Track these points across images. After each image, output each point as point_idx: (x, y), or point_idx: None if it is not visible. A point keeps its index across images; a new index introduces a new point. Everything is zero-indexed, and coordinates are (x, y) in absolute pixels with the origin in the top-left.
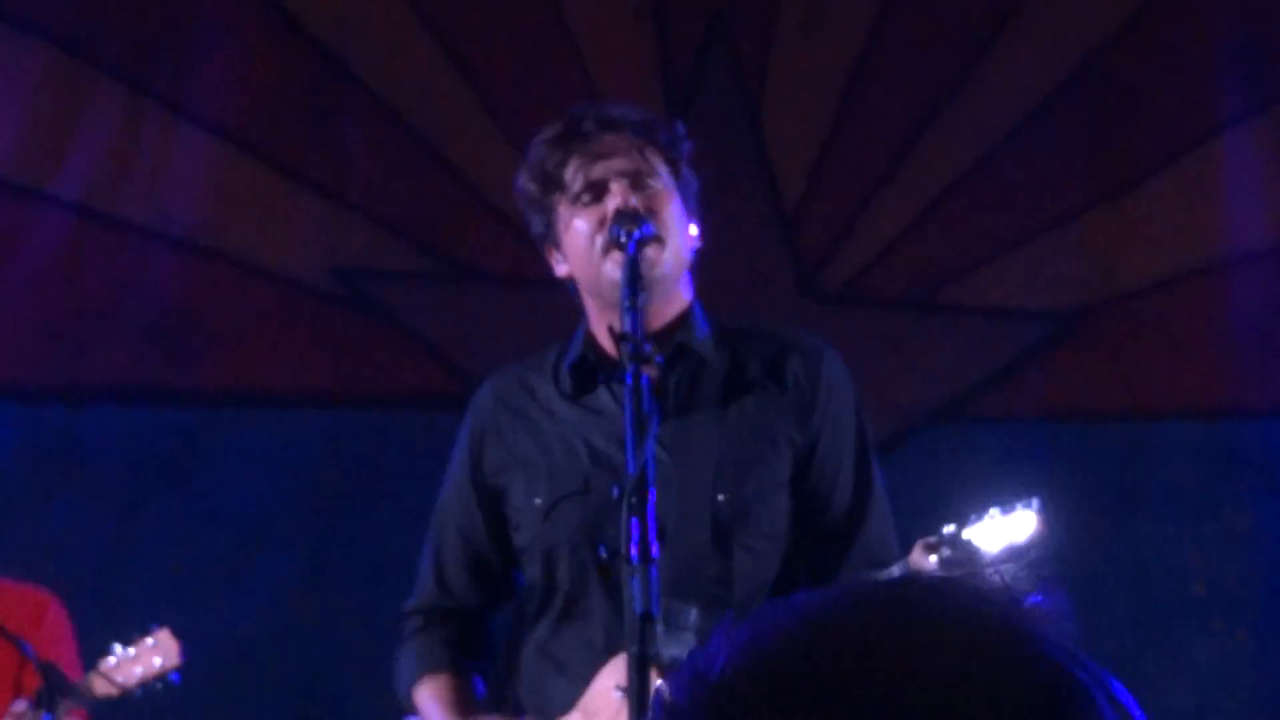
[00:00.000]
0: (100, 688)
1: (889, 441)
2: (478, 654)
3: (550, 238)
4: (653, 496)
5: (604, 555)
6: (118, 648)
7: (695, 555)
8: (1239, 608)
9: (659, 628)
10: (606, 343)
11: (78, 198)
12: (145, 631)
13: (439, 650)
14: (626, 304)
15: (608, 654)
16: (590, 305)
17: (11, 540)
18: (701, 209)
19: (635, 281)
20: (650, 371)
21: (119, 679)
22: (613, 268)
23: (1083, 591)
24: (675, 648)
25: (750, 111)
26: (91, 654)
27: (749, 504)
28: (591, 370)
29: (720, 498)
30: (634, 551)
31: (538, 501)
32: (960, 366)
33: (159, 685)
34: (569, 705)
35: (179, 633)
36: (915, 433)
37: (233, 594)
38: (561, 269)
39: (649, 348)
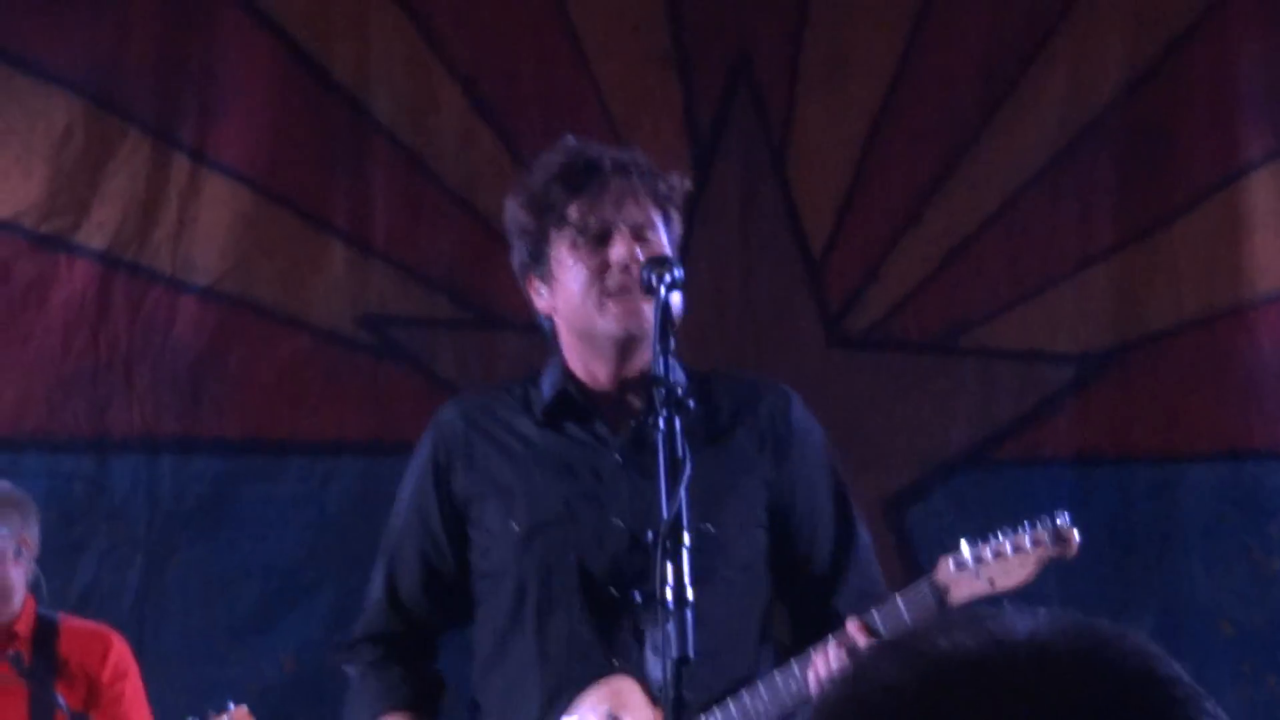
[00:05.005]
0: None
1: (917, 487)
2: (434, 691)
3: (538, 270)
4: (689, 542)
5: (638, 600)
6: None
7: None
8: (1268, 650)
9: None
10: (589, 379)
11: (104, 247)
12: (222, 707)
13: (400, 687)
14: (658, 348)
15: (578, 669)
16: (570, 344)
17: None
18: (726, 253)
19: (668, 326)
20: (630, 418)
21: None
22: (609, 319)
23: None
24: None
25: (775, 155)
26: None
27: (729, 534)
28: (574, 403)
29: (705, 526)
30: (669, 596)
31: (515, 527)
32: (988, 410)
33: None
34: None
35: (208, 684)
36: (943, 477)
37: (262, 645)
38: (542, 302)
39: (681, 392)
